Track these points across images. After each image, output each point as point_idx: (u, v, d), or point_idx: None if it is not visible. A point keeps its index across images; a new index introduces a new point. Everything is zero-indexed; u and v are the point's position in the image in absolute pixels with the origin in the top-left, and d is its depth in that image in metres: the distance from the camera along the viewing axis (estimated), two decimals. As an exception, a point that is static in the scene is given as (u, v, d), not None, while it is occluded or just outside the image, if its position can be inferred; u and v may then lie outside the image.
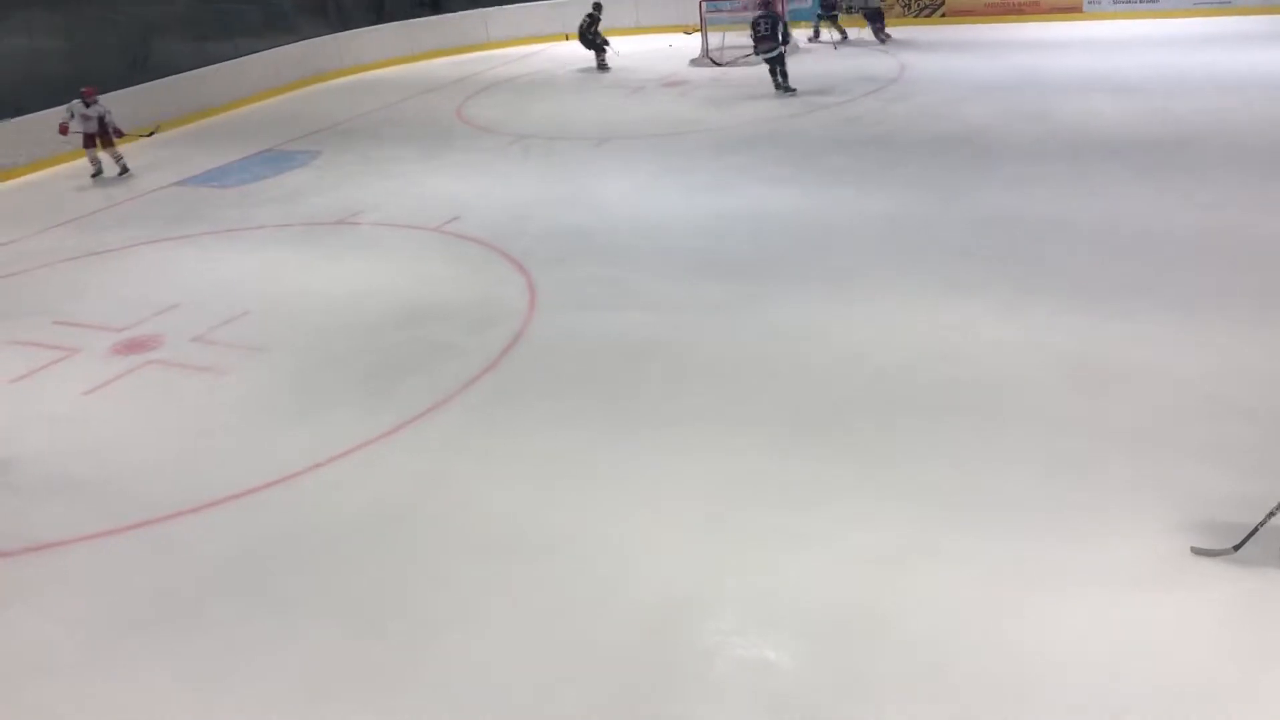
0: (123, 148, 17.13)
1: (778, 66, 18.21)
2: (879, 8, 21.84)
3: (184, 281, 11.82)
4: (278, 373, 9.38)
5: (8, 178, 17.18)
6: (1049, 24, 22.26)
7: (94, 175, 16.97)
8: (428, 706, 5.43)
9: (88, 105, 16.35)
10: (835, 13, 22.31)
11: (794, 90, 18.10)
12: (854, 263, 10.54)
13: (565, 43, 24.88)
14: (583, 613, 5.99)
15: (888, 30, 21.84)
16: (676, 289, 10.33)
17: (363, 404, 8.64)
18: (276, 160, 17.05)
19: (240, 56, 22.16)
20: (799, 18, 22.41)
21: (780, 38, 17.97)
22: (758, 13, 18.40)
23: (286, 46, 23.20)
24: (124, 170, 17.07)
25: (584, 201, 13.42)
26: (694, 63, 21.55)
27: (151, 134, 18.18)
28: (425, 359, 9.33)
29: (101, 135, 16.59)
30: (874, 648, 5.52)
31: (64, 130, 16.40)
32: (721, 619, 5.89)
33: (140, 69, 20.57)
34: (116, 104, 18.66)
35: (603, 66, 22.41)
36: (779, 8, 19.18)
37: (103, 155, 16.89)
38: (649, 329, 9.50)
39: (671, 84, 20.15)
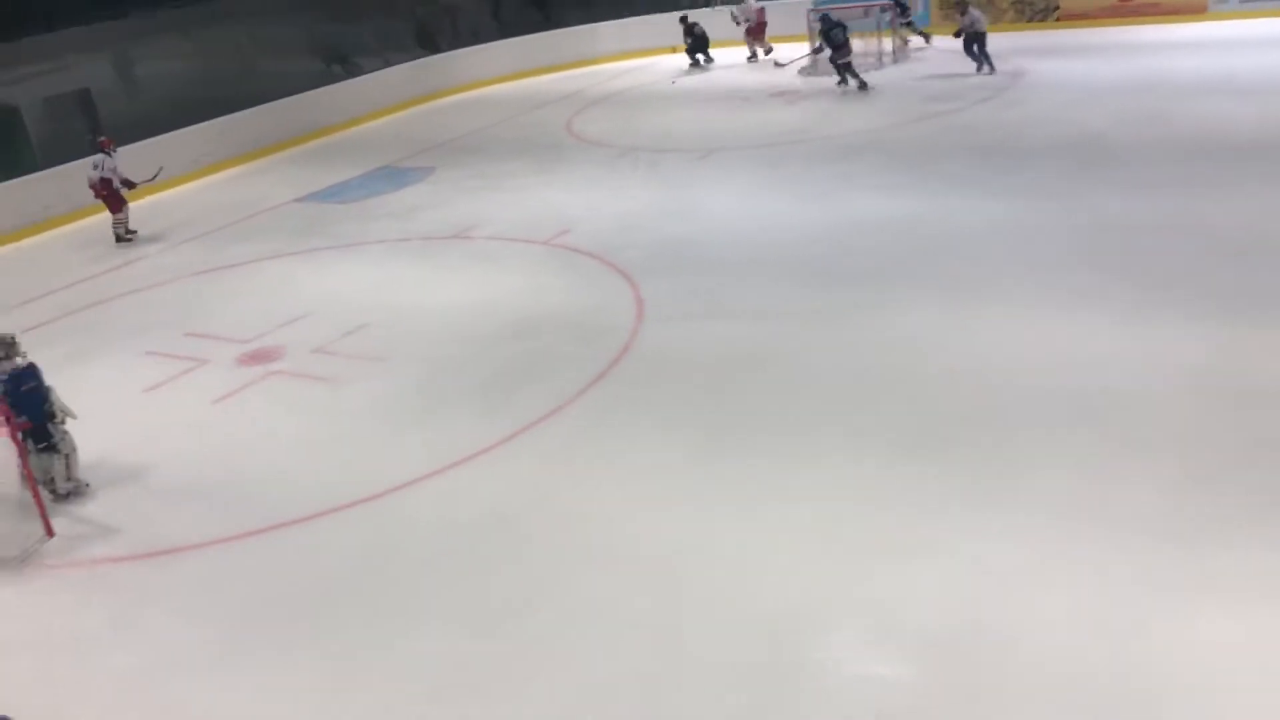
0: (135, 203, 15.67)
1: (849, 69, 19.25)
2: (982, 31, 19.07)
3: (306, 295, 12.21)
4: (397, 383, 9.63)
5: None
6: (1170, 26, 21.54)
7: (125, 238, 15.33)
8: (543, 711, 5.52)
9: (110, 156, 15.04)
10: (910, 19, 22.06)
11: (869, 86, 19.05)
12: (968, 271, 10.36)
13: (673, 55, 25.01)
14: (695, 622, 6.01)
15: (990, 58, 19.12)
16: (786, 299, 10.30)
17: (478, 413, 8.82)
18: (393, 176, 17.50)
19: (357, 76, 22.84)
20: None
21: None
22: (831, 23, 19.07)
23: (401, 65, 23.83)
24: (130, 234, 15.40)
25: (692, 212, 13.47)
26: (803, 73, 21.42)
27: (155, 177, 15.88)
28: (538, 370, 9.48)
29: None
30: (994, 664, 5.42)
31: (105, 187, 14.99)
32: (836, 632, 5.84)
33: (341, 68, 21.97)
34: (241, 124, 19.54)
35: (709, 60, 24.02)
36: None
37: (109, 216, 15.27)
38: (757, 339, 9.49)
39: (779, 94, 20.09)
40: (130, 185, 15.13)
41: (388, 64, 23.59)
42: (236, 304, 12.26)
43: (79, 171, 17.09)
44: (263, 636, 6.43)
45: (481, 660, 5.95)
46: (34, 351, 8.44)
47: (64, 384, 8.53)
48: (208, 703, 5.91)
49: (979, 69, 19.05)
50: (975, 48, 19.03)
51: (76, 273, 14.14)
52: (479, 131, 20.43)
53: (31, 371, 8.17)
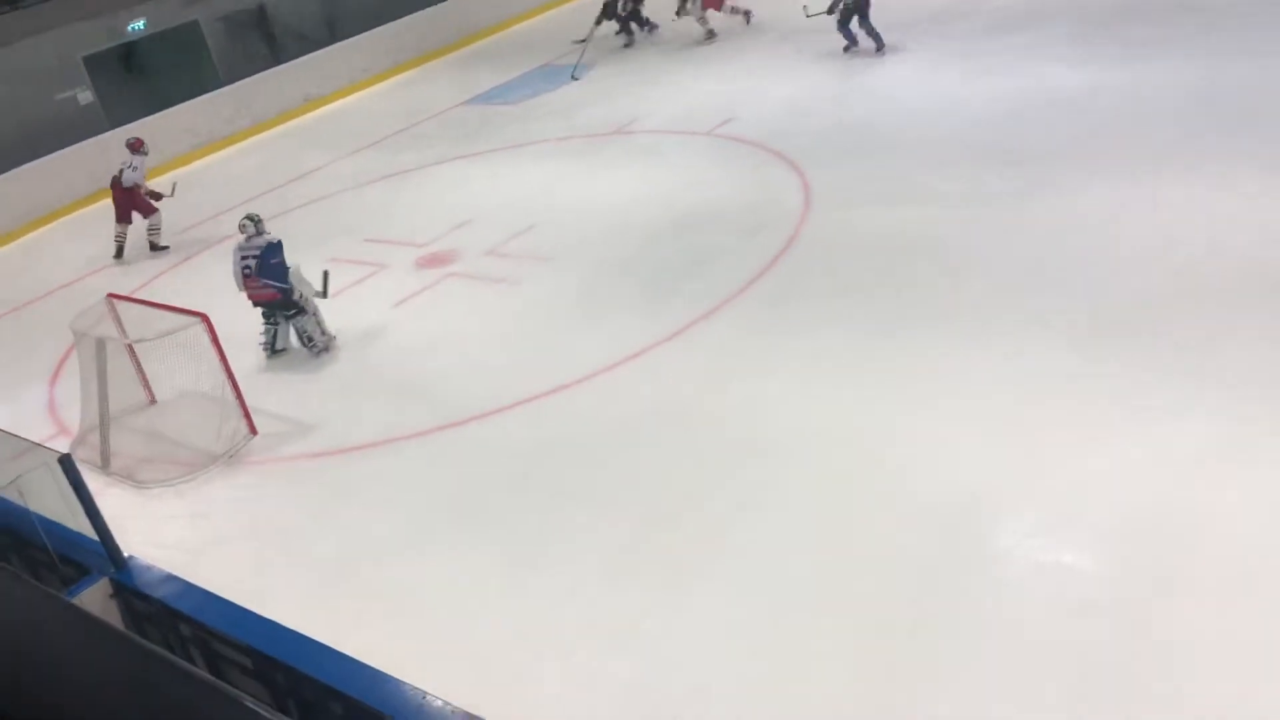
0: None
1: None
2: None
3: (476, 198, 12.45)
4: (565, 282, 9.78)
5: (318, 106, 18.54)
6: None
7: (118, 256, 13.09)
8: (719, 595, 5.64)
9: (140, 157, 13.07)
10: None
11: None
12: (1159, 143, 9.69)
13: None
14: (870, 510, 5.99)
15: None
16: (959, 181, 9.89)
17: (645, 309, 8.88)
18: (553, 75, 17.47)
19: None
20: None
21: None
22: None
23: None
24: (158, 247, 13.05)
25: (859, 95, 13.00)
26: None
27: (172, 192, 13.27)
28: (703, 263, 9.45)
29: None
30: (1184, 551, 5.22)
31: (154, 197, 13.00)
32: (1016, 519, 5.73)
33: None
34: (405, 30, 19.77)
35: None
36: None
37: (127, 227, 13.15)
38: (930, 224, 9.18)
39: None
40: (156, 196, 13.05)
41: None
42: (411, 209, 12.62)
43: (258, 86, 17.83)
44: (449, 525, 6.77)
45: (656, 548, 6.10)
46: (227, 261, 8.97)
47: (257, 291, 9.02)
48: (401, 586, 6.28)
49: (877, 48, 14.20)
50: (858, 21, 14.20)
51: (259, 183, 14.77)
52: (637, 23, 20.08)
53: (278, 246, 9.00)
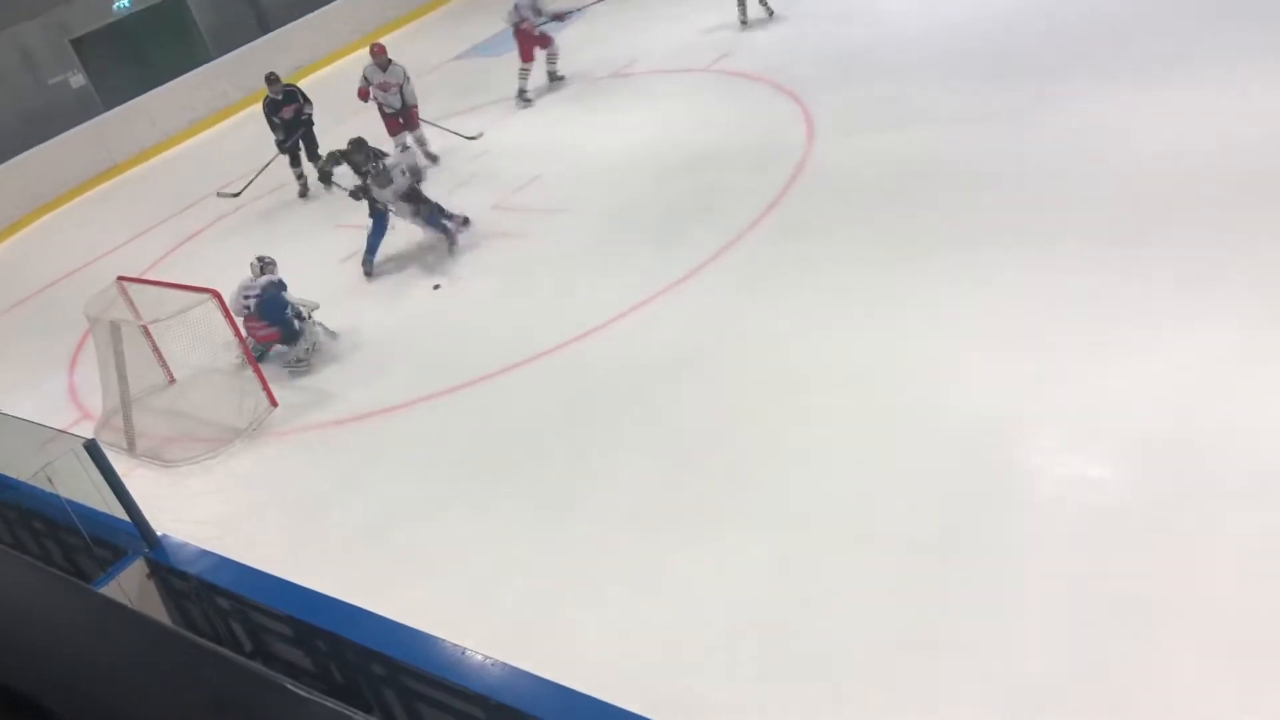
0: None
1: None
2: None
3: (478, 152, 12.33)
4: (574, 231, 9.71)
5: (311, 71, 18.34)
6: None
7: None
8: (750, 535, 5.65)
9: (385, 70, 12.27)
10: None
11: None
12: (1168, 46, 9.48)
13: None
14: (896, 440, 5.97)
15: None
16: (965, 98, 9.74)
17: (656, 253, 8.82)
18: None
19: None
20: None
21: None
22: None
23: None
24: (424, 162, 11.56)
25: (856, 15, 12.76)
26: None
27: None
28: (710, 202, 9.36)
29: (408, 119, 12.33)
30: (1210, 459, 5.19)
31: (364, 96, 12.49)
32: (1041, 438, 5.72)
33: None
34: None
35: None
36: None
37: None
38: (938, 145, 9.06)
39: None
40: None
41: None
42: (412, 169, 12.48)
43: (248, 56, 17.65)
44: (476, 482, 6.79)
45: (684, 492, 6.12)
46: (233, 237, 8.91)
47: (265, 263, 8.97)
48: (432, 545, 6.33)
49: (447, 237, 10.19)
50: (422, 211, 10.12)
51: (258, 157, 14.60)
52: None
53: (280, 284, 8.75)
